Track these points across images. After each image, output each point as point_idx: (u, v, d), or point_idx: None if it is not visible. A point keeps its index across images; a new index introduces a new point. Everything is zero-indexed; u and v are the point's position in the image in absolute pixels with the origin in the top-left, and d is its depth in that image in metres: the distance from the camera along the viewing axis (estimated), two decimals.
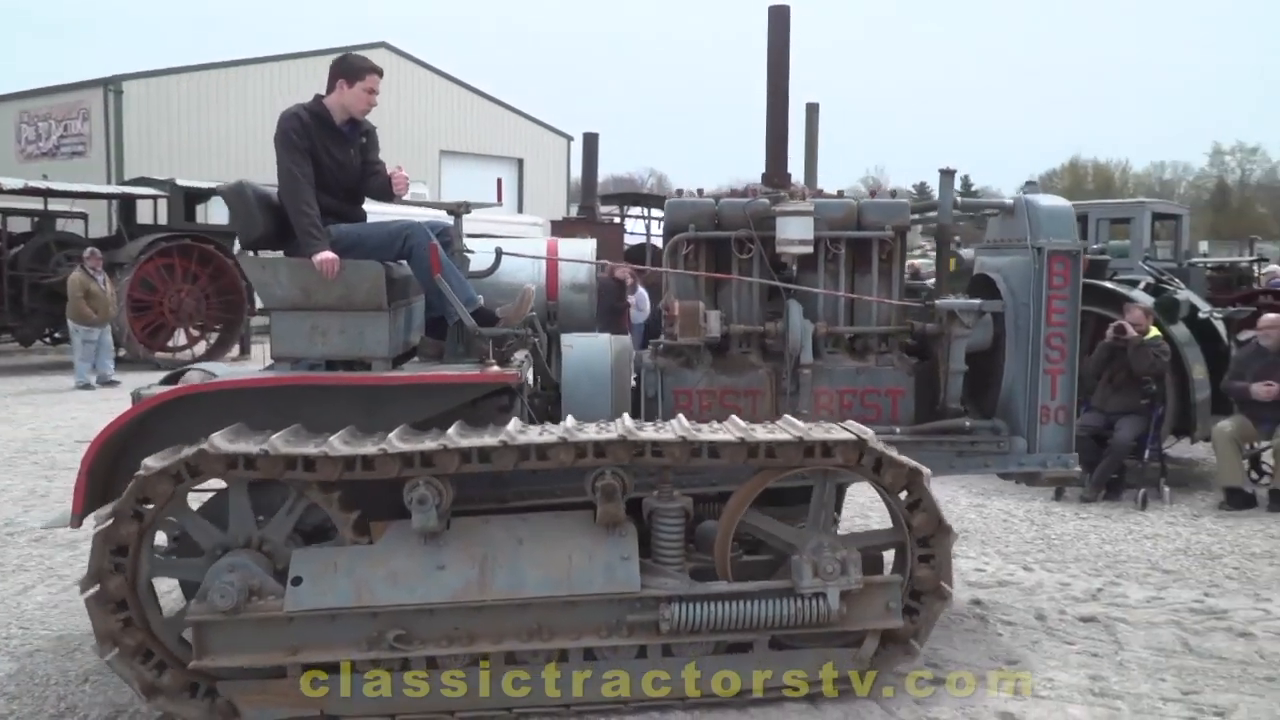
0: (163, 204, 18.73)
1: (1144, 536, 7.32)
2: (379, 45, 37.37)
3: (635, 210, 23.07)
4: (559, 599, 4.29)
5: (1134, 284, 9.45)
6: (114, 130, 30.07)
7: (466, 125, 39.26)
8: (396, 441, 4.19)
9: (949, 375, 5.09)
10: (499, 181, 5.67)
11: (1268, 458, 8.44)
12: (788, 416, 4.63)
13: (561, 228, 21.68)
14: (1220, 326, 9.05)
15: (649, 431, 4.30)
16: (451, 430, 4.31)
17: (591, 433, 4.27)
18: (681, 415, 4.64)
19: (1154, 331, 8.27)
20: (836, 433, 4.37)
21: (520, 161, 40.93)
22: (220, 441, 4.15)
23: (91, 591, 4.17)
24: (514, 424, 4.40)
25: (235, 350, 18.64)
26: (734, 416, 4.57)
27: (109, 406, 10.93)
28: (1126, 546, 7.06)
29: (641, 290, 12.36)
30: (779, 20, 5.29)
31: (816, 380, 5.11)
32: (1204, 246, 27.10)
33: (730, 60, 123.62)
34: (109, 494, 4.46)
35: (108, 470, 4.51)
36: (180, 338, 18.27)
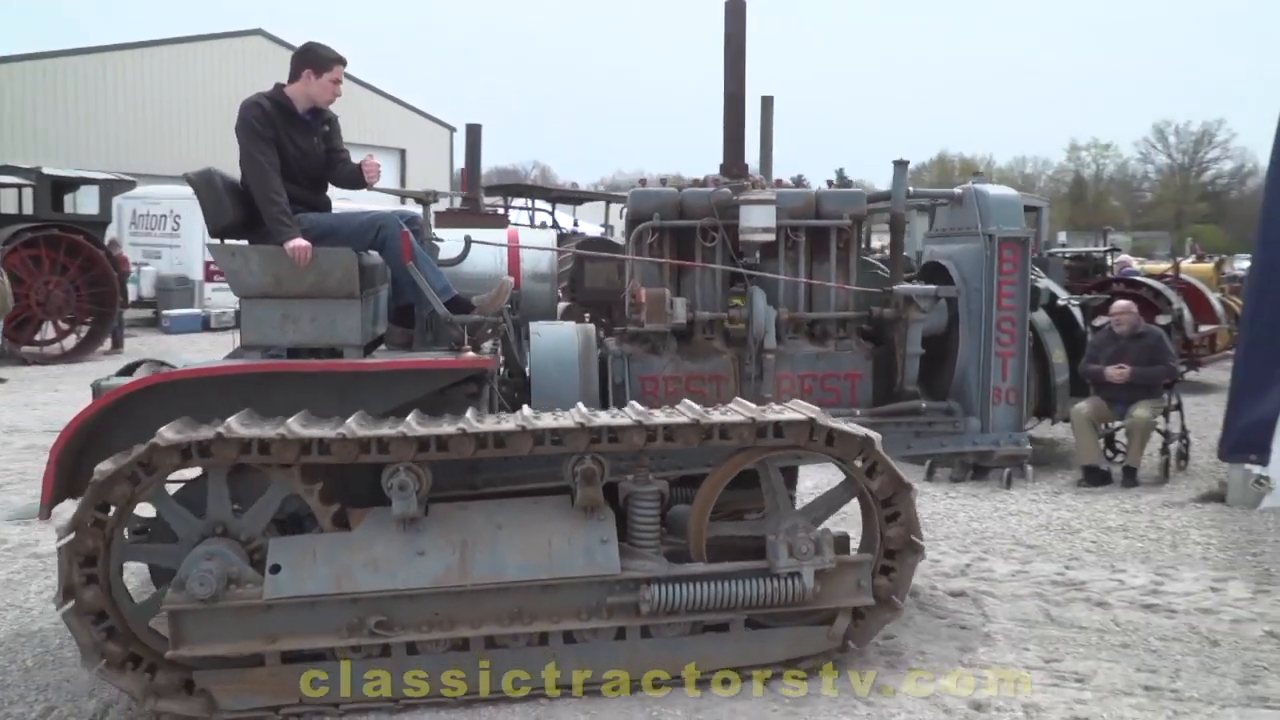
0: (28, 193, 17.63)
1: (1009, 514, 7.61)
2: (255, 32, 36.79)
3: (519, 201, 22.91)
4: (539, 582, 4.35)
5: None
6: None
7: (346, 114, 38.14)
8: (355, 425, 4.20)
9: (905, 359, 5.26)
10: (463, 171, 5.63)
11: (1121, 437, 8.88)
12: (738, 399, 4.73)
13: (445, 219, 21.94)
14: (1077, 313, 9.40)
15: (604, 417, 4.37)
16: (410, 418, 4.33)
17: (548, 420, 4.33)
18: (634, 401, 4.72)
19: None
20: (787, 413, 4.48)
21: (403, 152, 40.50)
22: (168, 434, 4.11)
23: (67, 607, 4.10)
24: (471, 412, 4.45)
25: (108, 344, 17.85)
26: (687, 400, 4.65)
27: None
28: (993, 524, 7.32)
29: None
30: (735, 15, 5.40)
31: (779, 365, 5.25)
32: (1062, 237, 28.33)
33: (615, 52, 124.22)
34: (76, 484, 4.38)
35: (75, 461, 4.43)
36: (49, 331, 17.30)
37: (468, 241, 5.11)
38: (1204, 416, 10.69)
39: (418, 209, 5.16)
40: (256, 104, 4.76)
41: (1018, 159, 64.44)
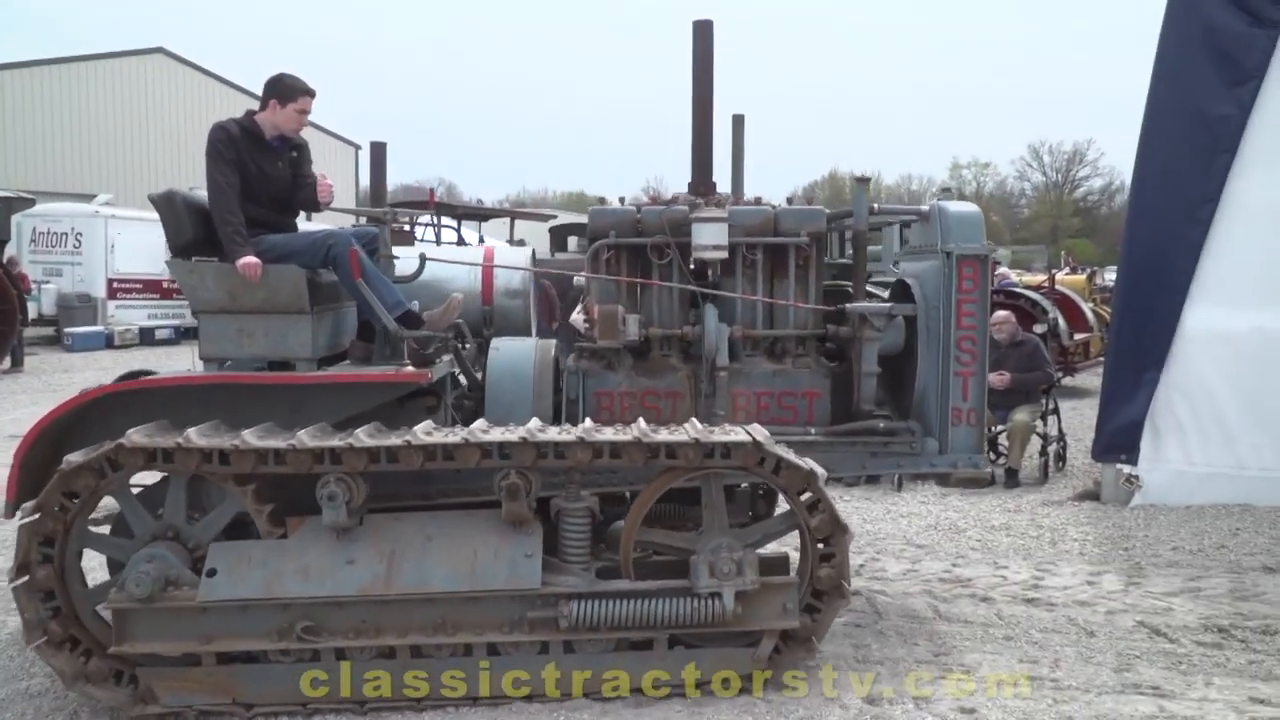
0: None
1: (900, 515, 7.94)
2: (156, 50, 37.12)
3: (425, 218, 23.31)
4: (462, 594, 4.44)
5: (885, 285, 9.70)
6: None
7: None
8: (305, 438, 4.36)
9: (862, 377, 5.19)
10: (431, 190, 5.78)
11: (1003, 440, 9.30)
12: (692, 420, 4.76)
13: None
14: None
15: (551, 433, 4.44)
16: (361, 430, 4.46)
17: (496, 434, 4.42)
18: (588, 418, 4.77)
19: None
20: (735, 434, 4.49)
21: None
22: (136, 436, 4.33)
23: (20, 581, 4.37)
24: (424, 426, 4.56)
25: (7, 363, 17.53)
26: (640, 420, 4.69)
27: None
28: (885, 525, 7.66)
29: None
30: (703, 34, 5.40)
31: (734, 382, 5.23)
32: None
33: (523, 69, 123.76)
34: (41, 487, 4.65)
35: (43, 464, 4.69)
36: None
37: (422, 259, 5.24)
38: (1079, 420, 11.33)
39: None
40: (223, 128, 4.99)
41: (904, 176, 66.49)
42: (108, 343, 22.72)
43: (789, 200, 5.50)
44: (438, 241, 21.40)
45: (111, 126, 35.38)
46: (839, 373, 5.34)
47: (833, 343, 5.43)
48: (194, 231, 4.91)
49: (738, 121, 5.74)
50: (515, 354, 5.30)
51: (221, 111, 36.68)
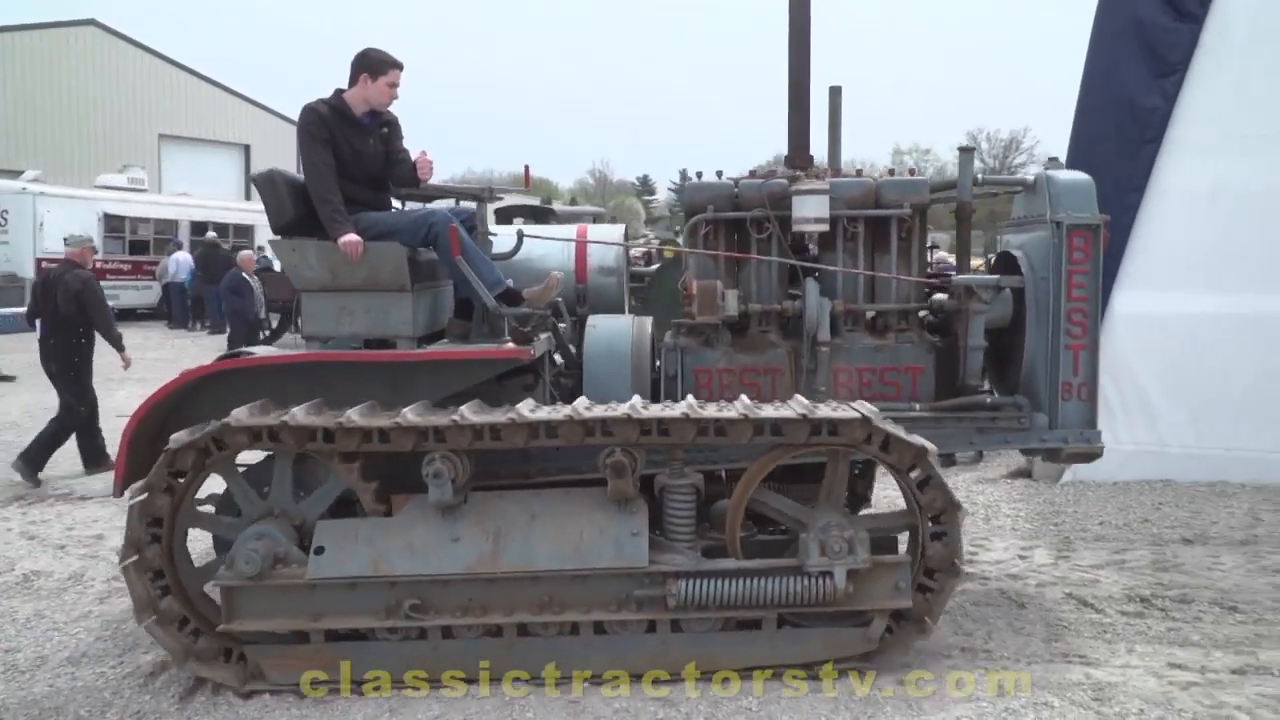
0: None
1: None
2: (88, 22, 35.86)
3: None
4: (568, 572, 4.41)
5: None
6: None
7: (188, 109, 37.77)
8: (411, 415, 4.34)
9: (967, 351, 5.06)
10: (526, 168, 5.75)
11: None
12: (798, 396, 4.67)
13: None
14: None
15: (654, 410, 4.38)
16: (464, 408, 4.44)
17: (599, 411, 4.37)
18: (691, 395, 4.71)
19: None
20: (844, 411, 4.40)
21: (247, 148, 39.62)
22: (241, 415, 4.34)
23: (130, 560, 4.41)
24: (527, 403, 4.52)
25: None
26: (743, 396, 4.62)
27: None
28: None
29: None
30: (800, 6, 5.30)
31: (835, 358, 5.13)
32: None
33: (468, 47, 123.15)
34: (149, 468, 4.69)
35: (149, 444, 4.73)
36: None
37: (520, 235, 5.20)
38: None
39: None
40: (313, 109, 4.97)
41: (848, 161, 66.03)
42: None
43: (890, 172, 5.36)
44: None
45: (40, 100, 34.00)
46: (942, 347, 5.21)
47: (937, 316, 5.30)
48: (295, 211, 4.90)
49: (834, 93, 5.60)
50: (612, 331, 5.24)
51: (157, 86, 36.23)
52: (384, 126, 5.19)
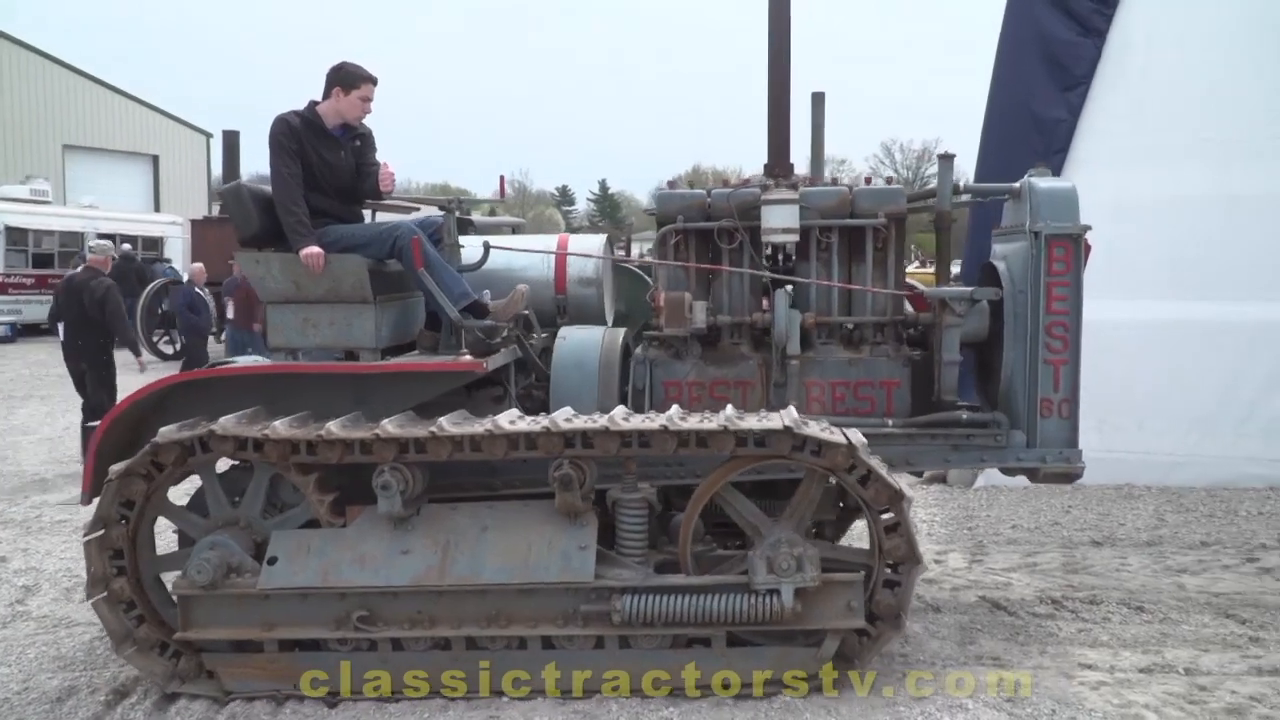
0: None
1: None
2: None
3: None
4: (515, 586, 4.36)
5: None
6: None
7: (93, 119, 36.55)
8: (335, 429, 4.35)
9: (942, 366, 4.90)
10: (501, 178, 5.73)
11: None
12: (790, 408, 4.54)
13: (202, 227, 21.08)
14: None
15: (578, 422, 4.31)
16: (389, 422, 4.42)
17: (523, 425, 4.31)
18: (675, 406, 4.62)
19: None
20: (832, 434, 4.26)
21: (155, 158, 38.65)
22: (228, 423, 4.40)
23: (94, 536, 4.48)
24: (453, 415, 4.50)
25: None
26: (729, 407, 4.52)
27: None
28: None
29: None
30: (779, 7, 5.21)
31: (807, 372, 5.01)
32: None
33: (382, 53, 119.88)
34: None
35: (116, 454, 4.79)
36: None
37: (486, 247, 5.18)
38: None
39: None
40: (284, 120, 5.01)
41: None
42: None
43: (866, 180, 5.23)
44: None
45: None
46: (920, 362, 5.05)
47: (916, 330, 5.15)
48: (260, 223, 4.95)
49: (817, 100, 5.51)
50: (581, 343, 5.20)
51: (61, 95, 35.10)
52: (356, 140, 5.22)
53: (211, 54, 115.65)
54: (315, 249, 4.74)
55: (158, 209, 35.50)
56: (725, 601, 4.27)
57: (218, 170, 29.05)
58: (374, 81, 5.12)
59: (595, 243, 5.85)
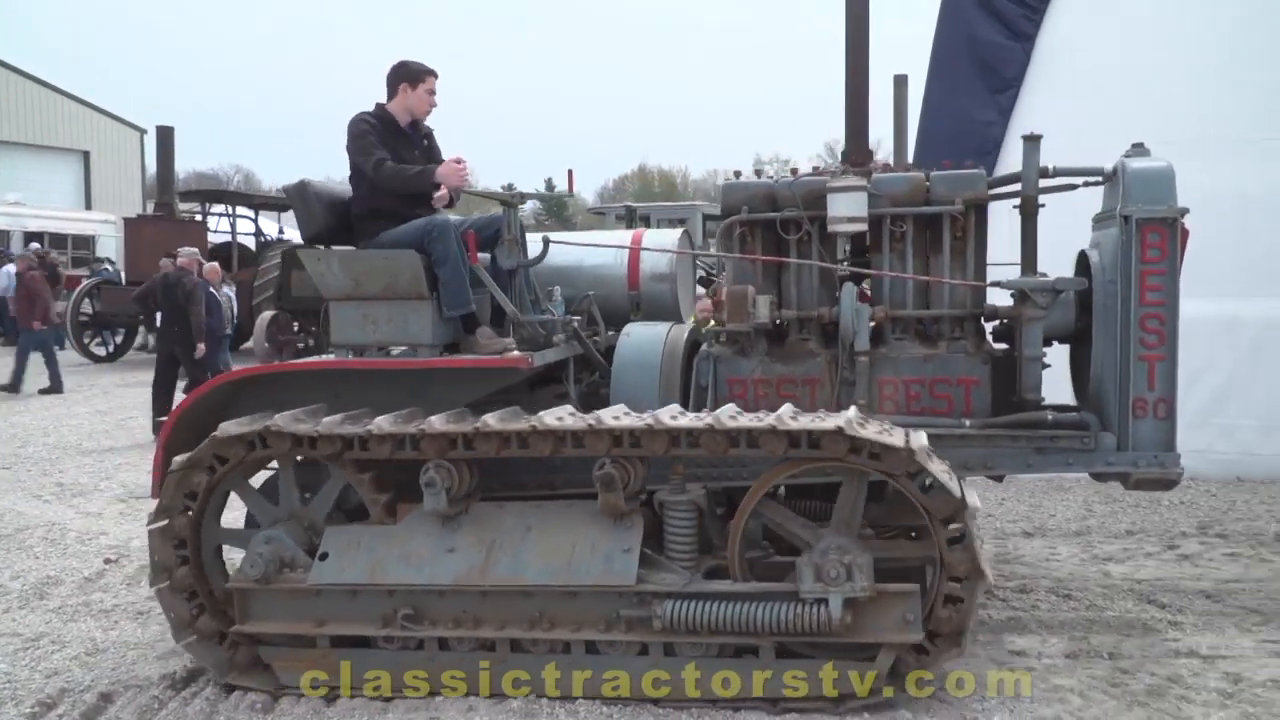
0: None
1: None
2: None
3: (219, 208, 21.66)
4: (557, 588, 4.24)
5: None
6: None
7: (20, 114, 35.30)
8: (385, 424, 4.32)
9: (1024, 362, 4.54)
10: (570, 172, 5.61)
11: None
12: (854, 407, 4.28)
13: (136, 225, 20.45)
14: None
15: (625, 420, 4.15)
16: (436, 418, 4.35)
17: (569, 422, 4.18)
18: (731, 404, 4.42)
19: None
20: (892, 436, 3.99)
21: (86, 154, 37.41)
22: (281, 420, 4.43)
23: (159, 525, 4.58)
24: (503, 411, 4.40)
25: None
26: (787, 405, 4.29)
27: None
28: None
29: (227, 291, 13.49)
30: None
31: (879, 369, 4.72)
32: None
33: (316, 55, 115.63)
34: None
35: (185, 449, 4.91)
36: None
37: (546, 242, 5.08)
38: None
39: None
40: (363, 118, 5.03)
41: (711, 171, 62.27)
42: None
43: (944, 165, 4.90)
44: (233, 233, 20.75)
45: None
46: (1002, 358, 4.70)
47: (1004, 324, 4.79)
48: (324, 221, 4.99)
49: (900, 82, 5.21)
50: (644, 339, 5.05)
51: (18, 103, 34.36)
52: (425, 138, 5.21)
53: (145, 48, 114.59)
54: (447, 163, 4.89)
55: (89, 207, 34.67)
56: (771, 610, 4.03)
57: (152, 167, 27.57)
58: (436, 75, 5.11)
59: (670, 238, 5.69)
